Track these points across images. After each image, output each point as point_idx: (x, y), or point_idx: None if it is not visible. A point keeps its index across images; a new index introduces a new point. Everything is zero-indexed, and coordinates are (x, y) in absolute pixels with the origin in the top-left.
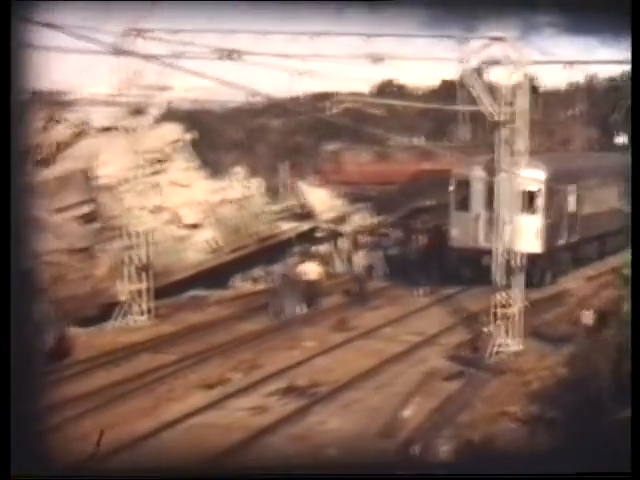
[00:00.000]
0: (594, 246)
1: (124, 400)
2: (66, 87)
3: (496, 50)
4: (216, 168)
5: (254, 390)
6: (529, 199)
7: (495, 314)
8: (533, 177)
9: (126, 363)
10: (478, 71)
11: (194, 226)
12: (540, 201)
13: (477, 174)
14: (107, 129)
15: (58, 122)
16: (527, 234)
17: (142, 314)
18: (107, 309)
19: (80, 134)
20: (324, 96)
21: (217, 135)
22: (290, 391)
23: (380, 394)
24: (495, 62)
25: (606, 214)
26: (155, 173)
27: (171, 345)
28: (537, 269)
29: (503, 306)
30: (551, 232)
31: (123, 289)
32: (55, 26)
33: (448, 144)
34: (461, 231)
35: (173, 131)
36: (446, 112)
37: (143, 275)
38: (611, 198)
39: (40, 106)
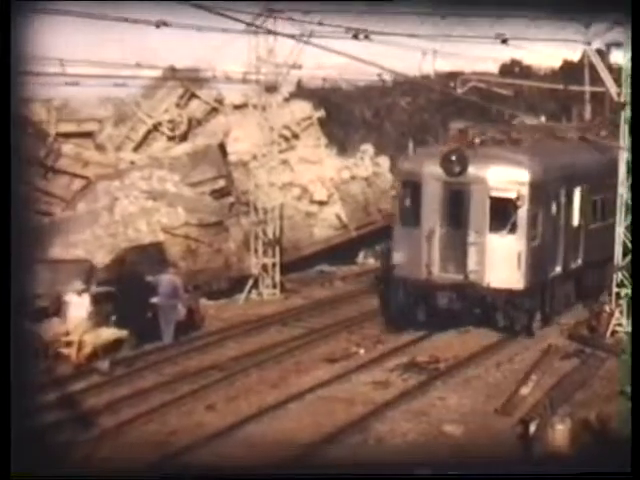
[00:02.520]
0: (607, 271)
1: (254, 371)
2: (202, 64)
3: (619, 33)
4: (344, 145)
5: (377, 365)
6: (504, 211)
7: (617, 294)
8: (511, 179)
9: (256, 335)
10: (601, 53)
11: (322, 202)
12: (522, 214)
13: (431, 172)
14: (240, 106)
15: (193, 99)
16: (503, 262)
17: (271, 288)
18: (237, 283)
19: (214, 111)
20: (451, 75)
21: (345, 113)
22: (411, 366)
23: (499, 371)
24: (618, 44)
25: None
26: (285, 150)
27: (298, 319)
28: (520, 311)
29: (622, 286)
30: (540, 258)
31: (254, 263)
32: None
33: (569, 124)
34: (408, 255)
35: (303, 109)
36: (567, 92)
37: (272, 250)
38: None
39: (176, 83)
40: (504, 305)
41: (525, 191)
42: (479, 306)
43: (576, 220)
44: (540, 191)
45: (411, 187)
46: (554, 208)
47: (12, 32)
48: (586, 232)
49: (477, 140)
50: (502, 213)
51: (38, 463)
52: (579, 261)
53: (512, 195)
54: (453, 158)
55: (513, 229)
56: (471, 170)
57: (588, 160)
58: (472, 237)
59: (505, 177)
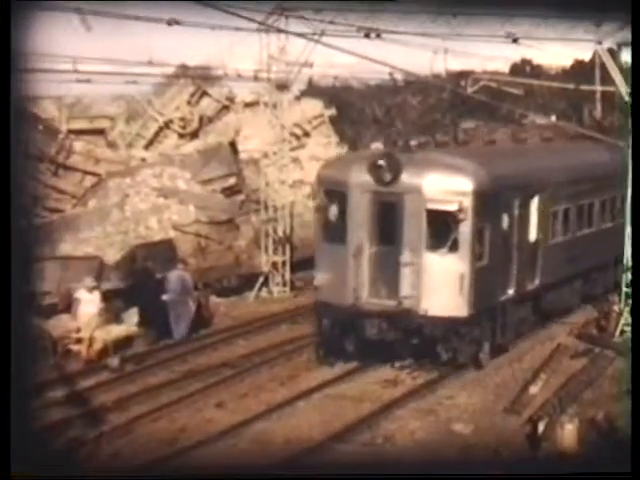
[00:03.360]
0: (572, 290)
1: (264, 369)
2: (213, 62)
3: (630, 32)
4: (355, 143)
5: (386, 363)
6: (444, 226)
7: (626, 294)
8: (451, 188)
9: (266, 333)
10: (612, 52)
11: None
12: (465, 229)
13: (358, 180)
14: (251, 104)
15: (204, 97)
16: (443, 285)
17: (281, 286)
18: (247, 280)
19: (225, 109)
20: (462, 74)
21: (356, 111)
22: (420, 364)
23: (508, 370)
24: (628, 44)
25: (592, 238)
26: (296, 148)
27: (308, 317)
28: (464, 342)
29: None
30: (488, 280)
31: (264, 261)
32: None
33: (580, 124)
34: (333, 277)
35: (314, 107)
36: (578, 92)
37: (283, 247)
38: (602, 213)
39: (187, 81)
40: (445, 335)
41: (468, 202)
42: (416, 336)
43: (533, 234)
44: (487, 202)
45: (336, 197)
46: (505, 221)
47: (24, 30)
48: (546, 248)
49: (413, 142)
50: (441, 228)
51: (45, 462)
52: (536, 281)
53: (452, 207)
54: (382, 164)
55: (454, 247)
56: (405, 178)
57: (554, 164)
58: (406, 256)
59: (444, 186)
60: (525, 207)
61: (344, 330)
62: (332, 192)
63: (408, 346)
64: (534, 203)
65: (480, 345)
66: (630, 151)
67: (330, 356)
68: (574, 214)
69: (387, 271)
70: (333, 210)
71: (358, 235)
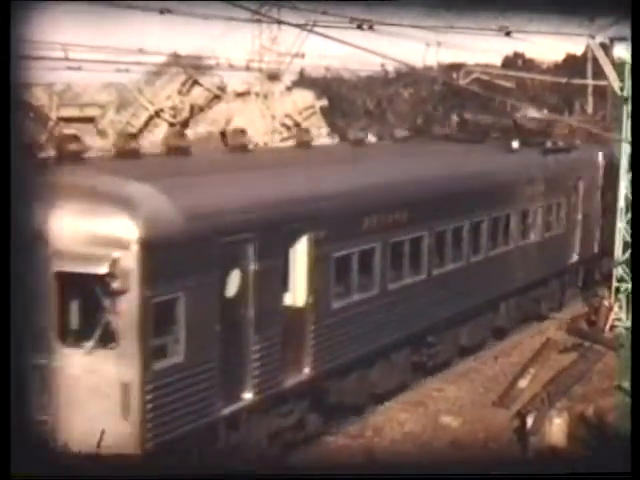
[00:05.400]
0: (391, 366)
1: None
2: (205, 52)
3: (623, 27)
4: (346, 135)
5: None
6: (90, 302)
7: (616, 289)
8: (99, 235)
9: None
10: (604, 47)
11: None
12: (127, 307)
13: None
14: (242, 94)
15: (195, 86)
16: (94, 403)
17: None
18: None
19: (216, 98)
20: (454, 67)
21: (348, 103)
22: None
23: (497, 364)
24: (621, 39)
25: (423, 288)
26: (286, 138)
27: None
28: None
29: (621, 281)
30: (191, 388)
31: None
32: None
33: (571, 117)
34: None
35: (305, 98)
36: (569, 86)
37: None
38: (443, 250)
39: (178, 70)
40: None
41: (131, 260)
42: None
43: (299, 298)
44: (179, 256)
45: None
46: (232, 284)
47: (15, 17)
48: (324, 315)
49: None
50: (86, 306)
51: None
52: (306, 370)
53: (100, 269)
54: None
55: (109, 338)
56: None
57: (347, 183)
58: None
59: (86, 230)
60: (276, 256)
61: None
62: None
63: None
64: (299, 247)
65: None
66: (630, 148)
67: None
68: (383, 257)
69: None
70: None
71: None
